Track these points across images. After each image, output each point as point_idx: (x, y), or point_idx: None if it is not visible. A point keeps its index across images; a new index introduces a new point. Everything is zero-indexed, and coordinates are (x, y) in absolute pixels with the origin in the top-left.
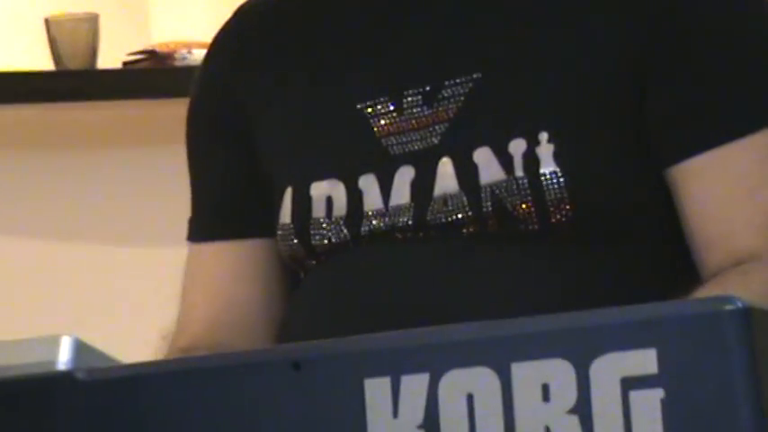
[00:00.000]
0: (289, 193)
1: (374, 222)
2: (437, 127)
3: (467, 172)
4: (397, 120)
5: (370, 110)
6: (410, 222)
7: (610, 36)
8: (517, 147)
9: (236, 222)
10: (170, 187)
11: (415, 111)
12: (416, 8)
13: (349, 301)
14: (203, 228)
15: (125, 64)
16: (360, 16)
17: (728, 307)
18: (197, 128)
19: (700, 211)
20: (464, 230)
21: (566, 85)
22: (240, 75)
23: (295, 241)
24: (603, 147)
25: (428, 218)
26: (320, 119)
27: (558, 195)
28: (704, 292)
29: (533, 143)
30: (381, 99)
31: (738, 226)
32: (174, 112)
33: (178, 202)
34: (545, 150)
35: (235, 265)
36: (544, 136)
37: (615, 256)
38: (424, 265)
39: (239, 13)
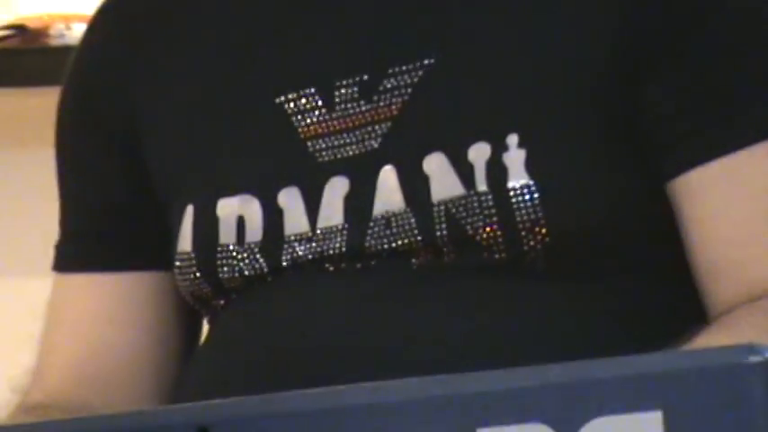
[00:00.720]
0: (189, 212)
1: (298, 250)
2: (377, 127)
3: (415, 185)
4: (327, 118)
5: (292, 105)
6: (343, 249)
7: (600, 15)
8: (479, 153)
9: (117, 249)
10: (34, 201)
11: (349, 106)
12: None
13: (266, 352)
14: (73, 254)
15: None
16: None
17: (753, 358)
18: (69, 125)
19: (707, 234)
20: (413, 260)
21: (541, 74)
22: (128, 59)
23: (197, 275)
24: (589, 154)
25: (366, 244)
26: (228, 116)
27: (532, 216)
28: (715, 336)
29: (500, 148)
30: (307, 91)
31: (754, 251)
32: (48, 102)
33: (44, 220)
34: (514, 158)
35: (111, 302)
36: (513, 139)
37: (603, 293)
38: (362, 305)
39: None
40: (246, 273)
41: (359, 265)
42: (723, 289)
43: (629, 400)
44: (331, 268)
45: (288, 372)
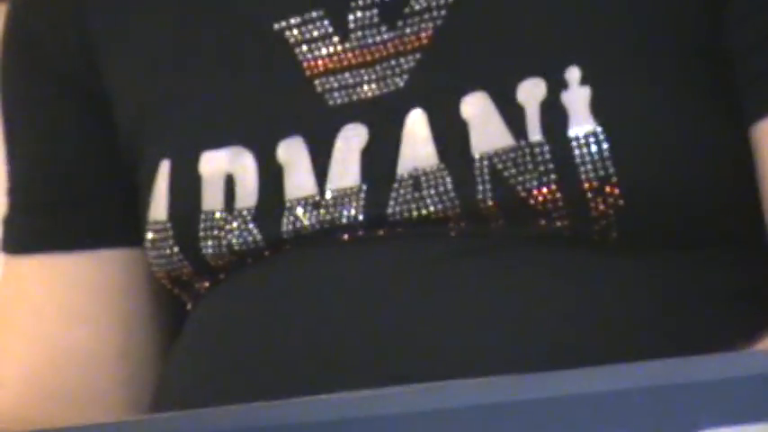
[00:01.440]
0: (164, 170)
1: (302, 218)
2: (403, 60)
3: (451, 134)
4: (340, 49)
5: (295, 32)
6: (360, 218)
7: None
8: (531, 92)
9: (78, 223)
10: None
11: (367, 34)
12: None
13: (264, 345)
14: (25, 232)
15: None
16: None
17: None
18: (15, 65)
19: None
20: (451, 230)
21: None
22: None
23: (175, 250)
24: (669, 94)
25: (389, 211)
26: (212, 47)
27: (600, 172)
28: None
29: (557, 86)
30: (313, 15)
31: None
32: None
33: None
34: (576, 98)
35: (75, 291)
36: (574, 74)
37: (692, 269)
38: (385, 284)
39: None
40: (236, 247)
41: (380, 233)
42: None
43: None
44: (345, 237)
45: (291, 371)
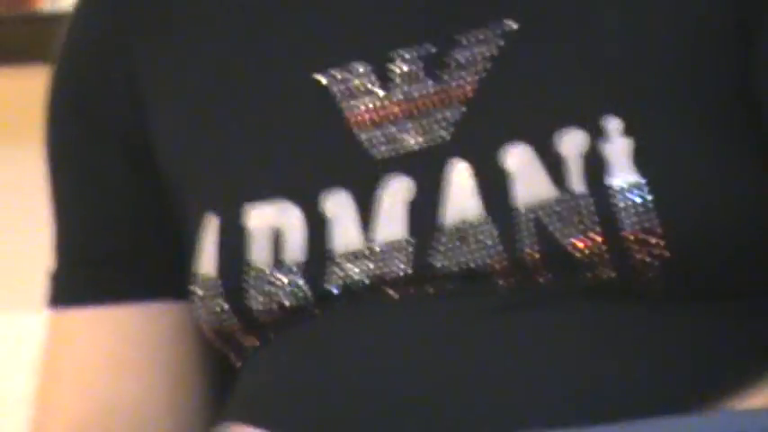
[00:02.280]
0: (212, 225)
1: (350, 272)
2: (447, 112)
3: (495, 186)
4: (383, 101)
5: (337, 84)
6: (409, 270)
7: None
8: (572, 143)
9: (126, 276)
10: (20, 215)
11: (411, 86)
12: None
13: (319, 407)
14: (73, 285)
15: None
16: None
17: None
18: (63, 118)
19: None
20: (499, 282)
21: (646, 42)
22: (129, 39)
23: (224, 305)
24: (712, 143)
25: (437, 264)
26: (254, 102)
27: (645, 224)
28: None
29: (598, 136)
30: (356, 66)
31: None
32: (34, 84)
33: (35, 239)
34: (618, 148)
35: (121, 343)
36: (615, 124)
37: (742, 322)
38: (434, 344)
39: None
40: (286, 302)
41: (430, 290)
42: None
43: None
44: (394, 294)
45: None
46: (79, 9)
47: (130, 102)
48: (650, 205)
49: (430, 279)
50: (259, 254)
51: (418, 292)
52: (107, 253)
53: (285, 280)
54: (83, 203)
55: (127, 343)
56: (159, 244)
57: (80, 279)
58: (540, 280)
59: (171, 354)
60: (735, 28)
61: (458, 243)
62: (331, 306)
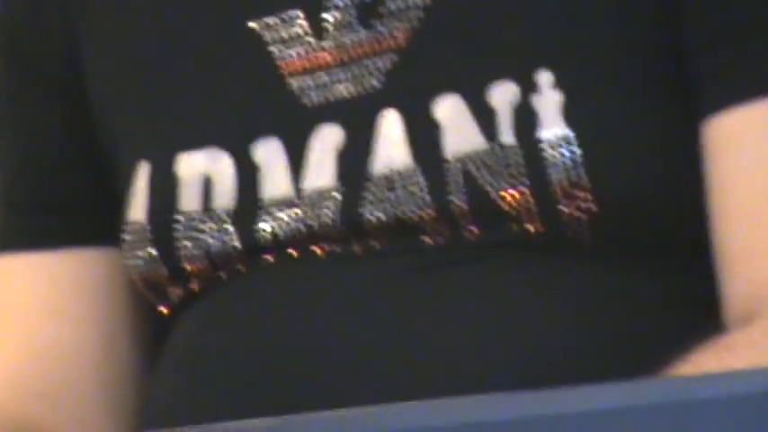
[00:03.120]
0: (143, 171)
1: (280, 218)
2: (379, 60)
3: (425, 136)
4: (315, 48)
5: (270, 31)
6: (337, 219)
7: None
8: (504, 95)
9: (62, 221)
10: None
11: (343, 33)
12: None
13: (246, 366)
14: (6, 231)
15: None
16: None
17: None
18: None
19: (722, 204)
20: (424, 239)
21: None
22: None
23: (152, 251)
24: (641, 97)
25: (363, 212)
26: (188, 47)
27: (573, 177)
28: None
29: (529, 89)
30: (289, 14)
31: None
32: None
33: None
34: (549, 101)
35: (56, 288)
36: (546, 77)
37: (670, 278)
38: (363, 305)
39: None
40: (214, 250)
41: (356, 247)
42: (734, 283)
43: None
44: (320, 252)
45: (275, 391)
46: None
47: (65, 44)
48: (579, 159)
49: (358, 234)
50: (189, 201)
51: (345, 250)
52: (40, 198)
53: (214, 227)
54: (16, 148)
55: (61, 290)
56: (93, 190)
57: (13, 225)
58: (468, 235)
59: (105, 301)
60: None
61: (387, 193)
62: (257, 263)
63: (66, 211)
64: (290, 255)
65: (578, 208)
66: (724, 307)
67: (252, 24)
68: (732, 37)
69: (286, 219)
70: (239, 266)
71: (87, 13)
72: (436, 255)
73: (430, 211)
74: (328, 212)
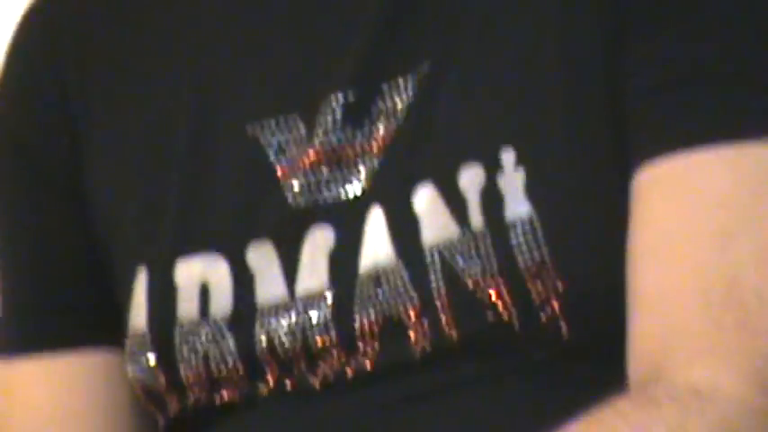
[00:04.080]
0: (141, 278)
1: (275, 325)
2: (367, 159)
3: (406, 229)
4: (308, 150)
5: (267, 134)
6: (329, 320)
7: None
8: (472, 179)
9: (66, 323)
10: None
11: (334, 135)
12: None
13: None
14: (16, 333)
15: None
16: None
17: None
18: (2, 167)
19: (636, 251)
20: (410, 334)
21: (537, 72)
22: (65, 80)
23: (151, 359)
24: (599, 170)
25: (354, 313)
26: (187, 151)
27: (536, 255)
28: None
29: (494, 169)
30: (285, 116)
31: (680, 295)
32: None
33: None
34: (512, 179)
35: (62, 391)
36: (509, 155)
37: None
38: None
39: None
40: (212, 356)
41: (348, 369)
42: (635, 340)
43: None
44: (314, 380)
45: None
46: (16, 47)
47: (67, 144)
48: (541, 237)
49: (347, 337)
50: (187, 309)
51: (337, 377)
52: (45, 300)
53: (212, 334)
54: (20, 250)
55: (67, 391)
56: (97, 291)
57: (19, 327)
58: (450, 332)
59: (111, 402)
60: (608, 50)
61: (374, 290)
62: (254, 389)
63: (73, 312)
64: (285, 385)
65: (546, 287)
66: (629, 359)
67: (250, 127)
68: (663, 88)
69: (281, 329)
70: (235, 384)
71: (89, 116)
72: (425, 374)
73: (415, 305)
74: (322, 315)
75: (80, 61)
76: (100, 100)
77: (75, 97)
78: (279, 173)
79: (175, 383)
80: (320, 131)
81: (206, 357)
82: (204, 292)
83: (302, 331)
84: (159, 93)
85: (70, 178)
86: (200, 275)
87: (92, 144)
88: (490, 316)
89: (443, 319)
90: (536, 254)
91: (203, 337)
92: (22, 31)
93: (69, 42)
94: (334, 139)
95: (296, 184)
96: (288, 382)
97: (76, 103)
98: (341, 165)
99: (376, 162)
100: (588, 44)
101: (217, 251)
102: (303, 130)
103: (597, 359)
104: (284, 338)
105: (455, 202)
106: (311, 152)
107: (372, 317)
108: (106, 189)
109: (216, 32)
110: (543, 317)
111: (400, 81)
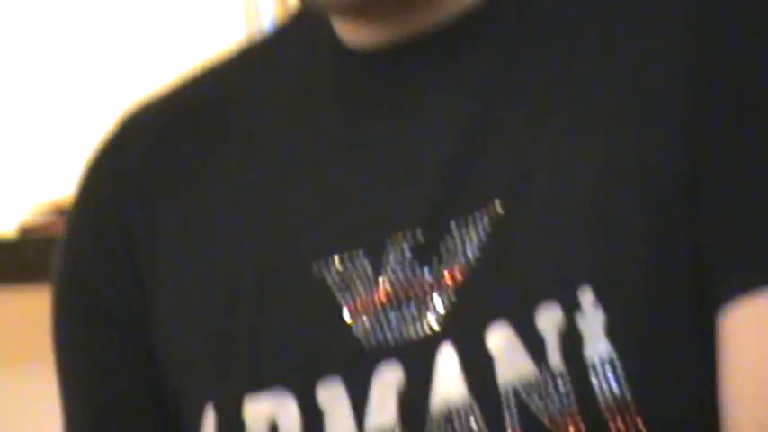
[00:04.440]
0: (209, 416)
1: None
2: (437, 297)
3: (479, 368)
4: (376, 289)
5: (333, 271)
6: None
7: (663, 143)
8: (549, 318)
9: None
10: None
11: (402, 273)
12: (398, 111)
13: None
14: None
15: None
16: (309, 127)
17: None
18: (68, 309)
19: (730, 394)
20: None
21: (616, 210)
22: (131, 221)
23: None
24: (681, 313)
25: None
26: (253, 290)
27: (618, 397)
28: None
29: (572, 309)
30: (352, 254)
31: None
32: None
33: None
34: (591, 319)
35: None
36: (588, 295)
37: None
38: None
39: (123, 127)
40: None
41: None
42: None
43: None
44: None
45: None
46: (78, 201)
47: (133, 289)
48: (623, 379)
49: None
50: None
51: None
52: None
53: None
54: (84, 395)
55: None
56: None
57: None
58: None
59: None
60: (687, 187)
61: (445, 428)
62: None
63: None
64: None
65: (626, 425)
66: None
67: (315, 265)
68: (746, 227)
69: None
70: None
71: (154, 255)
72: None
73: None
74: None
75: (147, 200)
76: (165, 238)
77: (141, 237)
78: (345, 311)
79: None
80: (388, 269)
81: None
82: (273, 431)
83: None
84: (225, 230)
85: (133, 321)
86: (269, 414)
87: (156, 286)
88: None
89: None
90: (617, 392)
91: None
92: (91, 171)
93: (137, 182)
94: (402, 277)
95: (363, 322)
96: None
97: (142, 243)
98: (409, 303)
99: (446, 300)
100: (667, 182)
101: (285, 389)
102: (369, 268)
103: None
104: None
105: (532, 342)
106: (378, 290)
107: None
108: (172, 328)
109: (280, 170)
110: None
111: (469, 219)
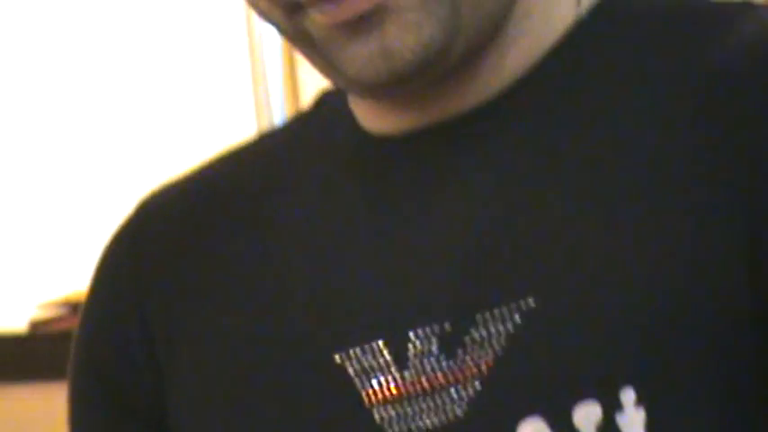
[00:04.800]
0: None
1: None
2: (462, 389)
3: None
4: (398, 379)
5: (354, 362)
6: None
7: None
8: (587, 416)
9: None
10: None
11: (425, 364)
12: (423, 198)
13: None
14: None
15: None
16: (330, 214)
17: None
18: (85, 398)
19: None
20: None
21: (660, 309)
22: (148, 307)
23: None
24: (726, 415)
25: None
26: (272, 378)
27: None
28: None
29: (612, 408)
30: (373, 345)
31: None
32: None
33: None
34: (632, 419)
35: None
36: (629, 394)
37: None
38: None
39: (142, 213)
40: None
41: None
42: None
43: None
44: None
45: None
46: (95, 286)
47: (150, 378)
48: None
49: None
50: None
51: None
52: None
53: None
54: None
55: None
56: None
57: None
58: None
59: None
60: (742, 275)
61: None
62: None
63: None
64: None
65: None
66: None
67: (336, 356)
68: None
69: None
70: None
71: (171, 342)
72: None
73: None
74: None
75: (166, 292)
76: (185, 330)
77: (160, 329)
78: (366, 402)
79: None
80: (413, 359)
81: None
82: None
83: None
84: (243, 319)
85: (151, 410)
86: None
87: (173, 375)
88: None
89: None
90: None
91: None
92: (108, 259)
93: (155, 273)
94: (428, 369)
95: (385, 414)
96: None
97: (161, 335)
98: (435, 394)
99: (471, 392)
100: (719, 269)
101: None
102: (390, 357)
103: None
104: None
105: None
106: (401, 381)
107: None
108: (190, 420)
109: (302, 257)
110: None
111: (496, 312)
